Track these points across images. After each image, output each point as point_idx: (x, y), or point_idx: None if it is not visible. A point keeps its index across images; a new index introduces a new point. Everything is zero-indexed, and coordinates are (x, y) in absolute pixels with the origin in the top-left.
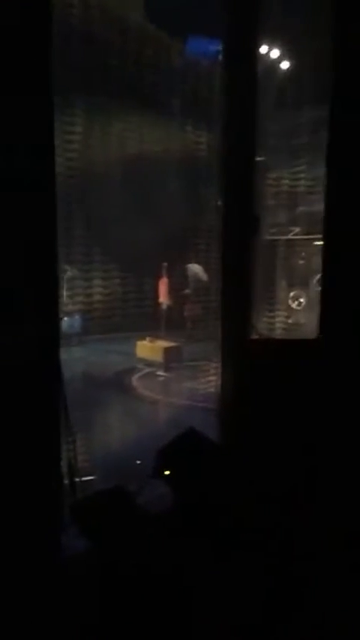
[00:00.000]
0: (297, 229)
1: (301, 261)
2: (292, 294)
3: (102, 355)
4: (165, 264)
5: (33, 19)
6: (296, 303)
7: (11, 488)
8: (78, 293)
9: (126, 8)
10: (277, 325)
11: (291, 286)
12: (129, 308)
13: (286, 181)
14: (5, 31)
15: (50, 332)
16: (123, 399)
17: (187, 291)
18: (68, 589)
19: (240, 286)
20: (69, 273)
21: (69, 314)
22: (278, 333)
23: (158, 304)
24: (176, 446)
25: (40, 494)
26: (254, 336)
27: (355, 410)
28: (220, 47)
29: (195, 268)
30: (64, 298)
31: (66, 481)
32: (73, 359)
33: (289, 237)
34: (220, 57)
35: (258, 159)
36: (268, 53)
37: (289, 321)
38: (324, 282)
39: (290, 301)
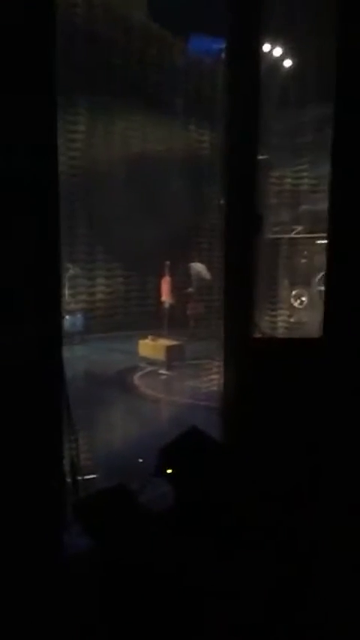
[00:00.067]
0: (299, 228)
1: (304, 260)
2: (294, 292)
3: (104, 354)
4: (168, 262)
5: (37, 18)
6: (298, 301)
7: (14, 486)
8: (80, 291)
9: (129, 7)
10: (280, 324)
11: (293, 285)
12: (131, 306)
13: (289, 180)
14: (9, 31)
15: (52, 330)
16: (125, 397)
17: (189, 289)
18: (70, 588)
19: (242, 285)
20: (71, 272)
21: (71, 312)
22: (280, 332)
23: (161, 303)
24: (179, 444)
25: (42, 492)
26: (257, 335)
27: (359, 408)
28: (223, 46)
29: (198, 267)
30: (67, 297)
31: (68, 480)
32: (76, 357)
33: (292, 235)
34: (223, 55)
35: (261, 157)
36: (271, 51)
37: (292, 319)
38: (328, 280)
39: (292, 300)
